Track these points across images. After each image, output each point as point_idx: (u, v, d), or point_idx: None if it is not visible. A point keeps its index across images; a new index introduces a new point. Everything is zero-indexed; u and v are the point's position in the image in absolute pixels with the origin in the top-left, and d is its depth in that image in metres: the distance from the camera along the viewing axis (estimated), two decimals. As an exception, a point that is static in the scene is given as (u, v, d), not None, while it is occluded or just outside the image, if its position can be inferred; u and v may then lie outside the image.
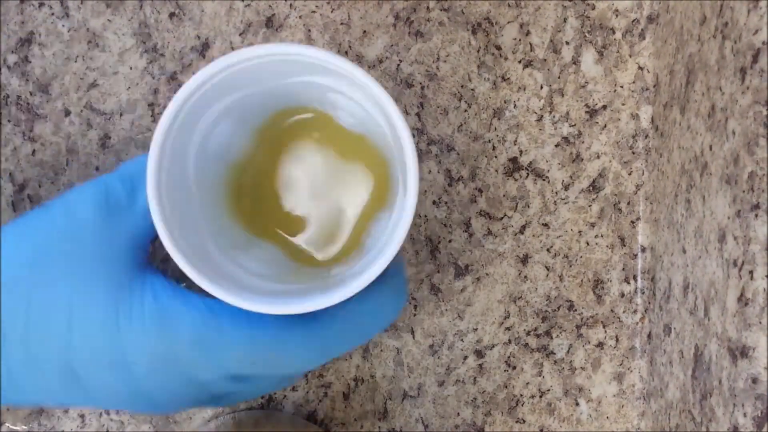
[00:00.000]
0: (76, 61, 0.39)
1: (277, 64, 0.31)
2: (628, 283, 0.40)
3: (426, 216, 0.40)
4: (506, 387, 0.40)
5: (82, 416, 0.40)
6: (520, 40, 0.40)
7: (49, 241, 0.29)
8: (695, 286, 0.34)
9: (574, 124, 0.40)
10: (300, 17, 0.39)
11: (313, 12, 0.39)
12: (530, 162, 0.40)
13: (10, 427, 0.40)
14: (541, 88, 0.40)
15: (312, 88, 0.34)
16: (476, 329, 0.40)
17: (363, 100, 0.33)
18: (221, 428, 0.37)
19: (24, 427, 0.40)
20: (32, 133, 0.39)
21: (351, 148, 0.36)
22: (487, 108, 0.40)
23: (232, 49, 0.40)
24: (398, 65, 0.40)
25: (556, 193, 0.40)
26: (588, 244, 0.40)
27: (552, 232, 0.40)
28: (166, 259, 0.40)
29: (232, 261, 0.34)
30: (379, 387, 0.40)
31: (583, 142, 0.40)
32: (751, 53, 0.29)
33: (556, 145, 0.40)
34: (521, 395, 0.40)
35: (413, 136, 0.40)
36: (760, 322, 0.28)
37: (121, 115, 0.39)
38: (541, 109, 0.40)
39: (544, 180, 0.40)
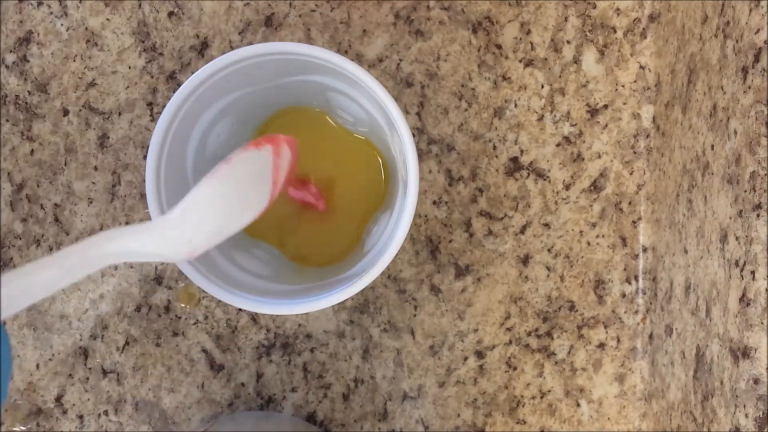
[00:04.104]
0: (74, 61, 0.39)
1: (277, 63, 0.31)
2: (630, 283, 0.40)
3: (426, 216, 0.40)
4: (507, 388, 0.40)
5: (80, 417, 0.40)
6: (520, 39, 0.40)
7: None
8: (697, 287, 0.33)
9: (575, 124, 0.40)
10: (299, 16, 0.39)
11: (313, 11, 0.39)
12: (531, 162, 0.40)
13: (9, 428, 0.39)
14: (542, 87, 0.40)
15: (312, 87, 0.34)
16: (477, 330, 0.40)
17: (363, 99, 0.33)
18: (220, 429, 0.37)
19: (23, 427, 0.39)
20: (30, 132, 0.39)
21: (351, 147, 0.36)
22: (488, 107, 0.40)
23: (231, 48, 0.39)
24: (398, 64, 0.39)
25: (557, 192, 0.40)
26: (589, 244, 0.40)
27: (553, 232, 0.40)
28: (165, 259, 0.39)
29: (232, 261, 0.34)
30: (379, 388, 0.40)
31: (584, 142, 0.40)
32: (752, 52, 0.29)
33: (557, 145, 0.40)
34: (522, 396, 0.40)
35: (413, 135, 0.40)
36: (762, 323, 0.28)
37: (119, 114, 0.39)
38: (542, 109, 0.40)
39: (544, 180, 0.40)
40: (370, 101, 0.33)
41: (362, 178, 0.37)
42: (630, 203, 0.40)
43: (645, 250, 0.40)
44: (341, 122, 0.36)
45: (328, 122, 0.36)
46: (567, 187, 0.40)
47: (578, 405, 0.40)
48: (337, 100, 0.35)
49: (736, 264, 0.29)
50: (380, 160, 0.36)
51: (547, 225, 0.40)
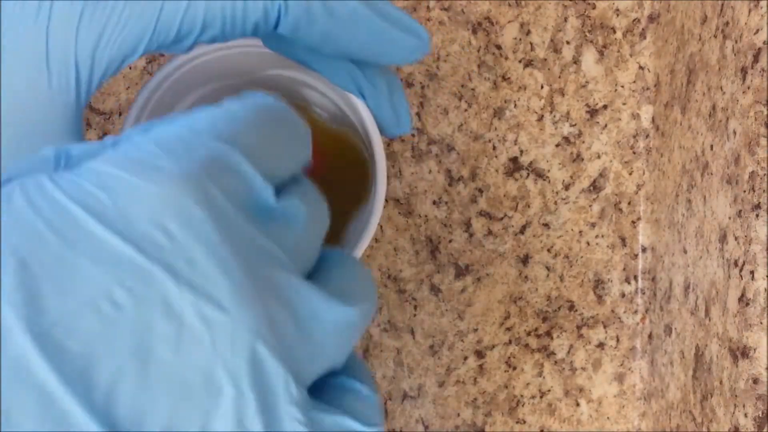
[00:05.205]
0: (75, 61, 0.39)
1: (249, 57, 0.31)
2: (629, 283, 0.40)
3: (426, 216, 0.40)
4: (507, 387, 0.40)
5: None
6: (520, 39, 0.40)
7: None
8: (696, 287, 0.34)
9: (575, 124, 0.40)
10: (300, 17, 0.39)
11: (313, 11, 0.39)
12: (531, 162, 0.40)
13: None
14: (542, 87, 0.40)
15: (285, 82, 0.34)
16: (476, 329, 0.40)
17: (333, 94, 0.33)
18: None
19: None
20: (31, 132, 0.39)
21: (328, 143, 0.36)
22: (488, 107, 0.40)
23: (232, 48, 0.39)
24: (398, 64, 0.39)
25: (557, 193, 0.40)
26: (588, 244, 0.40)
27: (552, 232, 0.40)
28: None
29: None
30: (379, 387, 0.40)
31: (583, 142, 0.40)
32: (752, 53, 0.29)
33: (557, 145, 0.40)
34: (522, 396, 0.40)
35: (413, 135, 0.40)
36: (761, 323, 0.28)
37: (120, 114, 0.39)
38: (541, 109, 0.40)
39: (544, 180, 0.40)
40: (340, 96, 0.32)
41: (344, 174, 0.36)
42: (629, 203, 0.40)
43: (644, 250, 0.40)
44: (318, 118, 0.36)
45: (309, 117, 0.36)
46: (566, 187, 0.40)
47: (578, 404, 0.40)
48: (311, 96, 0.35)
49: (736, 264, 0.29)
50: (358, 157, 0.36)
51: (546, 225, 0.40)
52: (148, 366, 0.15)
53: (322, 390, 0.19)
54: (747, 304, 0.29)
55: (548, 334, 0.40)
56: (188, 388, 0.15)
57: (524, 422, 0.40)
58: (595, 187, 0.40)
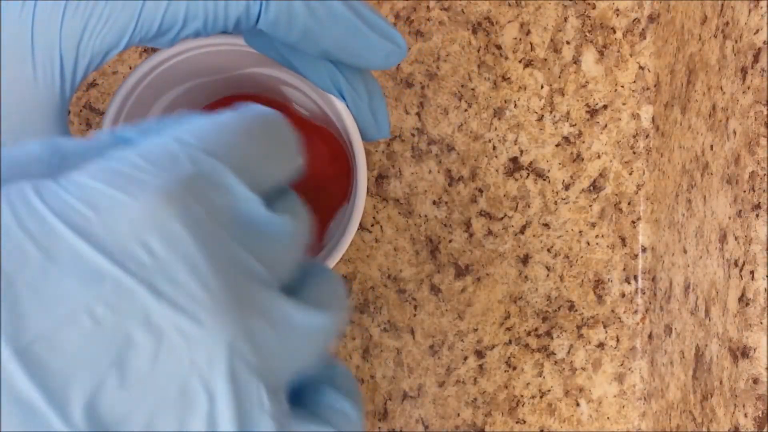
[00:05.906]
0: (75, 61, 0.39)
1: (231, 55, 0.31)
2: (629, 283, 0.40)
3: (426, 216, 0.40)
4: (507, 387, 0.40)
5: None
6: (520, 39, 0.40)
7: None
8: (696, 287, 0.34)
9: (575, 124, 0.40)
10: (300, 17, 0.39)
11: (313, 11, 0.39)
12: (531, 162, 0.40)
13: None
14: (542, 87, 0.40)
15: (266, 80, 0.34)
16: (476, 329, 0.40)
17: (314, 94, 0.33)
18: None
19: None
20: (31, 132, 0.39)
21: (311, 138, 0.36)
22: (488, 107, 0.40)
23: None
24: (398, 65, 0.39)
25: (557, 193, 0.40)
26: (588, 244, 0.40)
27: (552, 232, 0.40)
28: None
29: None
30: (379, 387, 0.40)
31: (583, 142, 0.40)
32: (752, 53, 0.29)
33: (557, 145, 0.40)
34: (522, 396, 0.40)
35: (413, 135, 0.40)
36: (761, 323, 0.28)
37: (120, 114, 0.39)
38: (541, 109, 0.40)
39: (544, 180, 0.40)
40: (321, 96, 0.32)
41: (327, 169, 0.36)
42: (629, 203, 0.40)
43: (644, 250, 0.40)
44: (300, 114, 0.36)
45: (291, 112, 0.36)
46: (566, 187, 0.40)
47: (578, 404, 0.40)
48: (291, 94, 0.34)
49: (735, 264, 0.30)
50: (341, 154, 0.36)
51: (546, 225, 0.40)
52: (126, 378, 0.16)
53: (304, 402, 0.19)
54: (747, 304, 0.29)
55: (548, 334, 0.40)
56: (165, 398, 0.16)
57: (524, 422, 0.40)
58: (595, 187, 0.40)
